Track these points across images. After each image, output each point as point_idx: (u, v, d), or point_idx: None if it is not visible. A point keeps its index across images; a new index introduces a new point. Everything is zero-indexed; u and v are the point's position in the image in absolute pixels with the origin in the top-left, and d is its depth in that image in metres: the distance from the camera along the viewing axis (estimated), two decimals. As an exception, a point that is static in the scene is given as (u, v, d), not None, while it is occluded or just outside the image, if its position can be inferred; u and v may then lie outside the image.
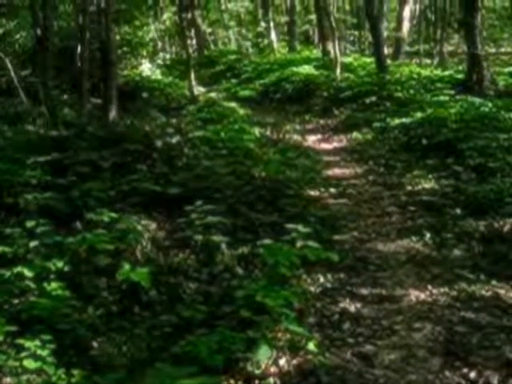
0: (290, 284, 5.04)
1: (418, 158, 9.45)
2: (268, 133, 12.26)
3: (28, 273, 4.65)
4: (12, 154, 7.15)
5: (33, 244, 5.17)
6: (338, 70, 17.40)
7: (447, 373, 3.94)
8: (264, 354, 4.03)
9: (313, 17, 25.38)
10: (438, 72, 16.44)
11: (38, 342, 3.93)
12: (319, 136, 12.89)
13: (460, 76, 14.87)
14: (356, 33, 27.99)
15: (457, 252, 5.98)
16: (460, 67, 16.79)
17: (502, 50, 25.12)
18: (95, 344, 4.26)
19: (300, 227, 5.08)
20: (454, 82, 14.62)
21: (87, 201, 6.29)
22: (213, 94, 17.29)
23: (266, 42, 25.99)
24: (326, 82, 16.85)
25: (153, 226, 6.30)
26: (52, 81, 10.59)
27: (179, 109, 14.21)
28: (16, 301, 4.47)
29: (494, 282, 5.23)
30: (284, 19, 27.50)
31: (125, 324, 4.54)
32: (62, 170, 6.98)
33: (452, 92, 13.34)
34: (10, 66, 11.22)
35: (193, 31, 25.36)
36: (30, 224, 5.40)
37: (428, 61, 22.14)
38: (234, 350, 4.01)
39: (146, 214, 6.46)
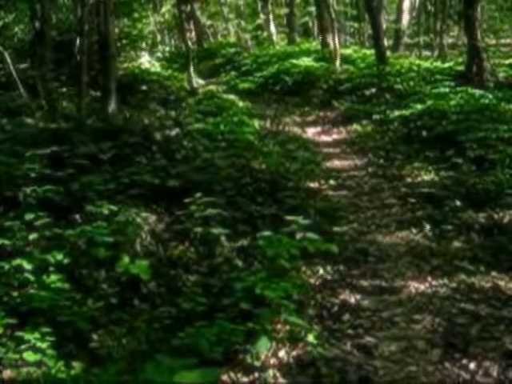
0: (289, 276, 5.03)
1: (417, 150, 9.44)
2: (267, 125, 12.25)
3: (27, 265, 4.64)
4: (11, 147, 7.12)
5: (32, 236, 5.16)
6: (338, 62, 17.38)
7: (447, 364, 3.94)
8: (263, 346, 4.03)
9: (312, 9, 25.29)
10: (438, 64, 16.41)
11: (37, 335, 3.94)
12: (319, 128, 12.88)
13: (460, 68, 14.84)
14: (356, 25, 27.90)
15: (456, 243, 5.98)
16: (460, 59, 16.74)
17: (502, 41, 25.08)
18: (95, 336, 4.26)
19: (299, 219, 5.06)
20: (454, 73, 14.60)
21: (86, 193, 6.27)
22: (212, 87, 17.28)
23: (265, 34, 25.94)
24: (326, 74, 16.84)
25: (152, 218, 6.29)
26: (51, 74, 10.58)
27: (178, 101, 14.18)
28: (15, 293, 4.47)
29: (493, 274, 5.23)
30: (283, 11, 27.42)
31: (124, 316, 4.54)
32: (61, 162, 6.95)
33: (452, 84, 13.32)
34: (8, 59, 11.18)
35: (192, 24, 25.28)
36: (29, 217, 5.39)
37: (428, 53, 22.11)
38: (233, 341, 4.02)
39: (146, 207, 6.45)
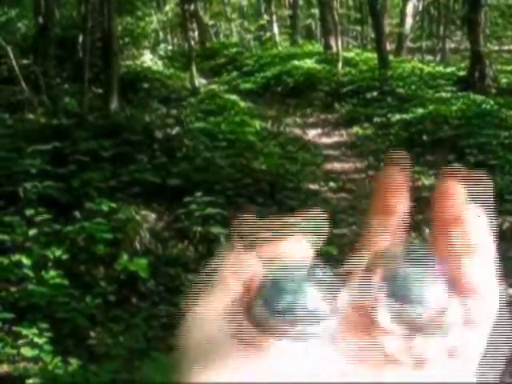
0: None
1: (418, 155, 9.44)
2: (269, 126, 12.25)
3: (26, 261, 4.65)
4: (12, 143, 7.13)
5: (32, 232, 5.16)
6: (340, 65, 17.38)
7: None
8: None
9: (315, 11, 25.33)
10: (441, 68, 16.43)
11: (35, 330, 3.94)
12: (320, 130, 12.88)
13: (462, 73, 14.85)
14: (358, 28, 27.95)
15: (455, 248, 5.98)
16: (462, 64, 16.77)
17: (505, 47, 25.10)
18: (92, 333, 4.26)
19: (299, 220, 5.07)
20: (456, 78, 14.61)
21: (87, 190, 6.28)
22: (214, 86, 17.28)
23: (268, 35, 25.95)
24: (328, 77, 16.84)
25: (152, 216, 6.30)
26: (53, 70, 10.57)
27: (180, 100, 14.18)
28: (14, 288, 4.47)
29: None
30: (286, 13, 27.45)
31: (122, 314, 4.55)
32: (62, 159, 6.96)
33: (454, 89, 13.34)
34: (11, 54, 11.19)
35: (195, 23, 25.29)
36: (29, 212, 5.39)
37: (430, 57, 22.14)
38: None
39: (146, 205, 6.45)
